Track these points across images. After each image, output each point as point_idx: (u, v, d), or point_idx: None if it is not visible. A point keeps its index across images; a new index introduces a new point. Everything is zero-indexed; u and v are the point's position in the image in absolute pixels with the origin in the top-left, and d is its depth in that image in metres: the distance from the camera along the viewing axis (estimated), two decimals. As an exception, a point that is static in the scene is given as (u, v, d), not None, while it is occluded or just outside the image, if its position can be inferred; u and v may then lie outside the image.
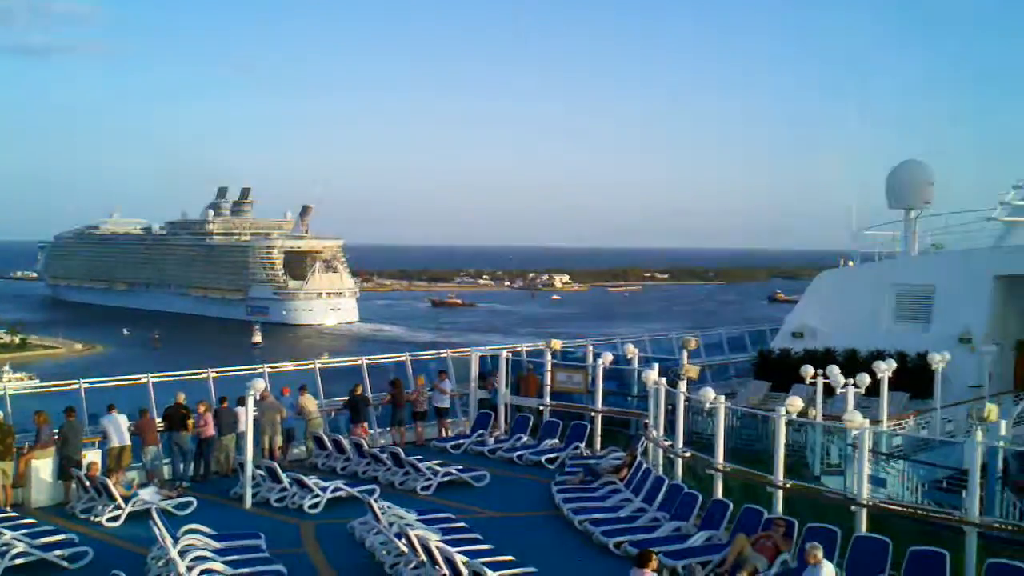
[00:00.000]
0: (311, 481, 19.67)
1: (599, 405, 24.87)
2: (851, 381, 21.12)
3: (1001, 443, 17.74)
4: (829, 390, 21.80)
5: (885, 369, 22.02)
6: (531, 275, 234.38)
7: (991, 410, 19.24)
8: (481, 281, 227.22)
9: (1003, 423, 19.87)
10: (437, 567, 14.08)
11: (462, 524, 17.05)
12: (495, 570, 13.79)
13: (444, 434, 25.91)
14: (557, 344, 27.15)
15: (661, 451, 20.32)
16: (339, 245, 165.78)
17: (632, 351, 27.12)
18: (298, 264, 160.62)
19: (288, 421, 23.35)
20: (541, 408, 26.07)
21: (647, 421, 21.80)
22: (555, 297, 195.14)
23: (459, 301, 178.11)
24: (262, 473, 20.26)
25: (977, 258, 28.91)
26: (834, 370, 21.66)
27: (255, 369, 24.69)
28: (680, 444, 19.53)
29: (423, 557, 14.46)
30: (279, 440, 22.91)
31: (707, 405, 18.79)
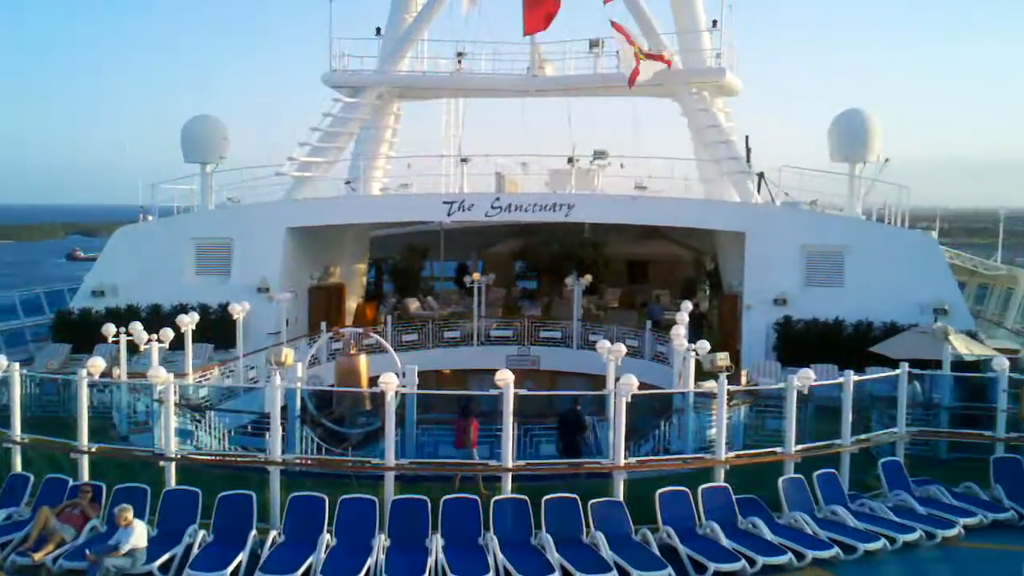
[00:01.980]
0: None
1: None
2: (155, 336, 21.03)
3: (298, 384, 19.00)
4: (134, 347, 21.49)
5: (189, 322, 22.32)
6: None
7: (287, 354, 20.42)
8: None
9: (299, 365, 21.36)
10: None
11: None
12: None
13: None
14: None
15: (-53, 430, 18.38)
16: None
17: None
18: None
19: None
20: None
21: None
22: None
23: None
24: None
25: (270, 211, 30.44)
26: (137, 327, 21.37)
27: None
28: (-30, 420, 17.83)
29: None
30: None
31: (0, 374, 17.41)
